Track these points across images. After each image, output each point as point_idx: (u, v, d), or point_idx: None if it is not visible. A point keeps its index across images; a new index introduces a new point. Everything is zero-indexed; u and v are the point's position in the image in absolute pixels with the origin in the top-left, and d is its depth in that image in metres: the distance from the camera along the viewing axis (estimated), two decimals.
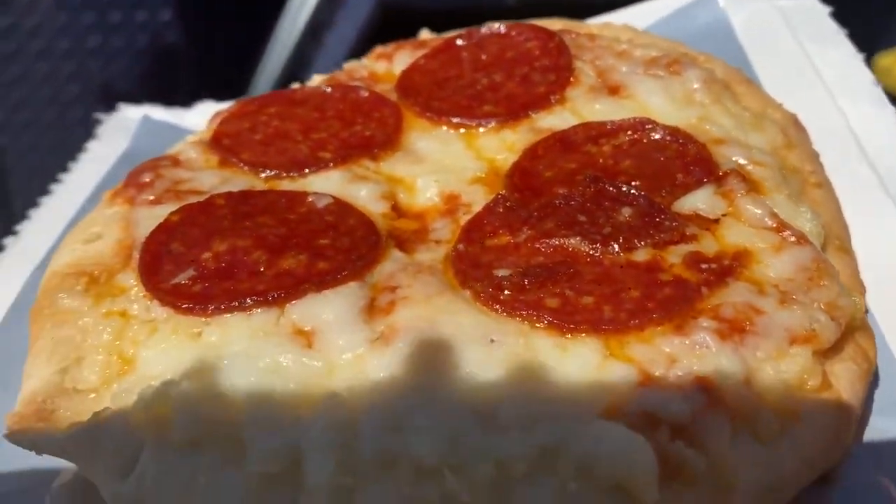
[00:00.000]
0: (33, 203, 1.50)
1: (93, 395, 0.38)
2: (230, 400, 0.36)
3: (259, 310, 0.39)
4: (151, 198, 0.47)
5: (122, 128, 0.57)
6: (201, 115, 0.58)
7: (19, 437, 0.37)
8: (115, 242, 0.45)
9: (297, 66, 1.28)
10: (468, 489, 0.33)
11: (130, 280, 0.43)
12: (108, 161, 0.54)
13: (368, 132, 0.51)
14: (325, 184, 0.48)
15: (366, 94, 0.54)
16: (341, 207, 0.45)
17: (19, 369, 0.40)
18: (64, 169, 1.40)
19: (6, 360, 0.42)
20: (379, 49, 0.60)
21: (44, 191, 1.47)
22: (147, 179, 0.48)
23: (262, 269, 0.41)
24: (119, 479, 0.35)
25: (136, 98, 1.39)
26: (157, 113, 0.58)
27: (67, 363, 0.40)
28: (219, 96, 1.43)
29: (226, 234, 0.43)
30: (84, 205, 0.52)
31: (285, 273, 0.41)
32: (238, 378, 0.37)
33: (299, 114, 0.53)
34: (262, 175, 0.49)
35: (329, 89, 0.55)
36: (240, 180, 0.48)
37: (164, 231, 0.44)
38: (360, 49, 1.21)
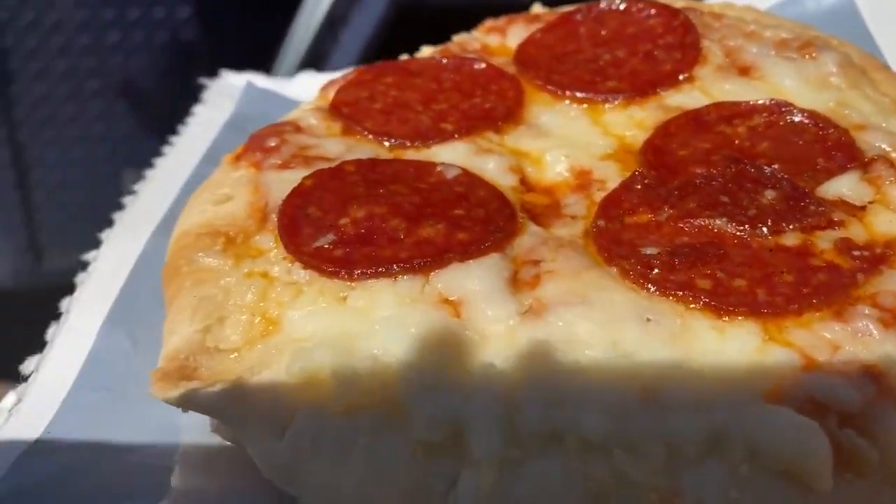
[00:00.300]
0: (53, 194, 1.49)
1: (234, 355, 0.38)
2: (385, 364, 0.36)
3: (405, 277, 0.39)
4: (279, 162, 0.46)
5: (227, 94, 0.57)
6: (301, 85, 0.59)
7: (166, 393, 0.37)
8: (247, 204, 0.45)
9: (314, 62, 1.28)
10: (639, 468, 0.33)
11: (268, 242, 0.42)
12: (215, 125, 0.54)
13: (488, 104, 0.50)
14: (451, 155, 0.47)
15: (482, 66, 0.53)
16: (470, 179, 0.45)
17: (147, 325, 0.40)
18: (83, 157, 1.39)
19: (134, 316, 0.42)
20: (489, 22, 0.59)
21: (63, 184, 1.46)
22: (273, 144, 0.47)
23: (401, 237, 0.41)
24: (272, 438, 0.35)
25: (155, 94, 1.39)
26: (259, 81, 0.58)
27: (210, 322, 0.39)
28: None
29: (362, 201, 0.43)
30: (198, 167, 0.51)
31: (425, 241, 0.40)
32: (391, 343, 0.36)
33: (417, 84, 0.53)
34: (387, 144, 0.48)
35: (445, 60, 0.55)
36: (364, 148, 0.48)
37: (299, 195, 0.43)
38: (375, 45, 1.21)
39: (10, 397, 0.36)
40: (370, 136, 0.49)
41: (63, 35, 1.27)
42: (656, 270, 0.39)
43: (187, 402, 0.37)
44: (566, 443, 0.33)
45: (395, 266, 0.39)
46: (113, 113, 1.36)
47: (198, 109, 0.55)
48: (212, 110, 0.56)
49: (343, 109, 0.50)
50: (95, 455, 0.36)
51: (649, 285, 0.38)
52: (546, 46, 0.54)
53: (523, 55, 0.54)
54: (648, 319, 0.37)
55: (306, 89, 0.57)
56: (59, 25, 1.26)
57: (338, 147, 0.48)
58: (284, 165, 0.46)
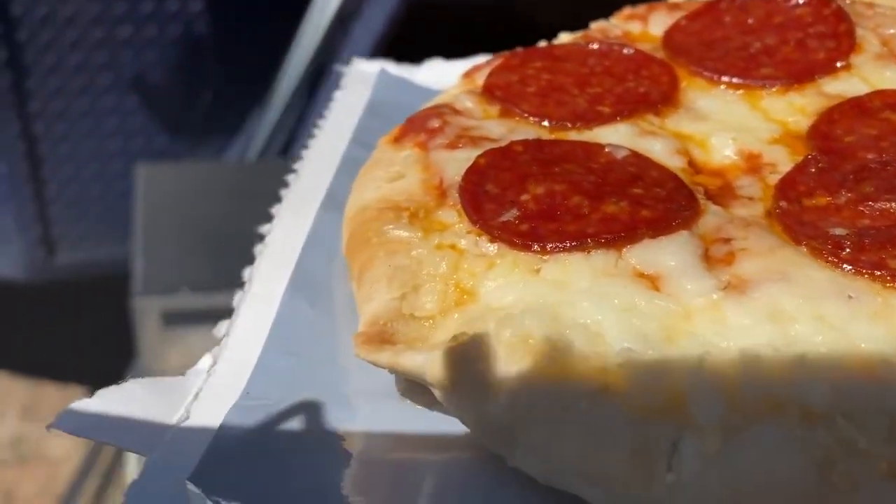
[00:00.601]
0: (65, 188, 1.46)
1: (429, 322, 0.39)
2: (595, 332, 0.36)
3: (598, 251, 0.40)
4: (446, 142, 0.47)
5: (361, 80, 0.58)
6: (428, 72, 0.61)
7: (372, 355, 0.38)
8: (420, 182, 0.46)
9: (325, 56, 1.29)
10: (865, 437, 0.33)
11: (451, 217, 0.43)
12: (356, 109, 0.56)
13: (642, 89, 0.51)
14: (614, 136, 0.48)
15: (631, 51, 0.54)
16: (640, 160, 0.45)
17: (325, 293, 0.42)
18: (96, 151, 1.37)
19: (311, 284, 0.43)
20: (628, 10, 0.60)
21: (75, 178, 1.44)
22: (436, 125, 0.48)
23: (586, 213, 0.41)
24: (482, 402, 0.36)
25: (167, 89, 1.38)
26: (391, 68, 0.59)
27: (406, 290, 0.40)
28: (249, 84, 1.42)
29: (538, 179, 0.44)
30: (347, 148, 0.51)
31: (610, 218, 0.41)
32: (598, 314, 0.37)
33: (567, 68, 0.53)
34: (546, 125, 0.49)
35: (595, 45, 0.55)
36: (525, 130, 0.48)
37: (475, 173, 0.44)
38: (386, 40, 1.22)
39: (207, 359, 0.38)
40: (529, 118, 0.49)
41: (76, 29, 1.26)
42: (847, 250, 0.39)
43: (395, 365, 0.37)
44: (788, 410, 0.34)
45: (588, 240, 0.39)
46: (125, 107, 1.35)
47: (337, 95, 0.57)
48: (350, 96, 0.58)
49: (496, 93, 0.51)
50: (291, 416, 0.37)
51: (844, 265, 0.38)
52: (693, 33, 0.54)
53: (672, 41, 0.54)
54: (850, 297, 0.37)
55: (433, 76, 0.59)
56: (73, 19, 1.25)
57: (499, 129, 0.48)
58: (452, 145, 0.47)
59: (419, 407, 0.40)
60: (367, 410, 0.39)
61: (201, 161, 1.27)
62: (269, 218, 0.87)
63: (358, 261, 0.42)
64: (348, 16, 1.22)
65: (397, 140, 0.49)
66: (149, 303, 0.73)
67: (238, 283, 0.77)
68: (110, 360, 2.08)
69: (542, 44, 0.57)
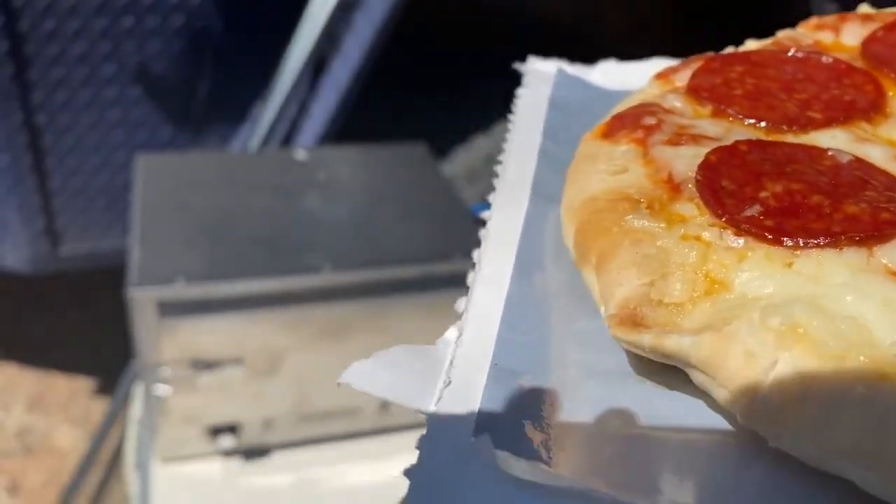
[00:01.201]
0: (69, 180, 1.46)
1: (678, 309, 0.40)
2: (862, 325, 0.38)
3: (850, 248, 0.41)
4: (666, 139, 0.47)
5: (542, 78, 0.60)
6: (601, 73, 0.61)
7: (629, 336, 0.39)
8: (646, 176, 0.46)
9: (326, 48, 1.28)
10: None
11: (689, 210, 0.43)
12: (541, 106, 0.57)
13: (847, 97, 0.51)
14: (831, 141, 0.47)
15: (829, 60, 0.54)
16: (864, 165, 0.45)
17: (546, 277, 0.44)
18: (99, 143, 1.37)
19: (533, 268, 0.44)
20: (815, 20, 0.60)
21: (79, 170, 1.43)
22: (652, 122, 0.49)
23: (828, 212, 0.42)
24: (754, 386, 0.37)
25: (170, 80, 1.37)
26: (567, 68, 0.61)
27: (654, 277, 0.41)
28: (252, 75, 1.41)
29: (773, 177, 0.44)
30: (542, 143, 0.53)
31: (852, 218, 0.41)
32: (860, 308, 0.38)
33: (769, 74, 0.54)
34: (763, 127, 0.49)
35: (793, 53, 0.55)
36: (741, 131, 0.48)
37: (709, 168, 0.45)
38: (389, 29, 1.21)
39: (453, 331, 0.39)
40: (744, 120, 0.49)
41: (78, 20, 1.25)
42: None
43: (658, 346, 0.38)
44: None
45: (841, 237, 0.40)
46: (128, 98, 1.35)
47: (521, 92, 0.57)
48: (534, 93, 0.58)
49: (703, 94, 0.51)
50: (541, 386, 0.38)
51: None
52: (893, 45, 0.54)
53: (871, 51, 0.54)
54: None
55: (606, 77, 0.60)
56: (75, 9, 1.25)
57: (715, 128, 0.49)
58: (673, 142, 0.47)
59: (658, 387, 0.40)
60: (607, 387, 0.40)
61: (201, 151, 1.27)
62: (271, 209, 0.87)
63: (596, 248, 0.44)
64: (350, 5, 1.22)
65: (606, 136, 0.50)
66: (144, 293, 0.72)
67: (235, 274, 0.77)
68: (117, 350, 2.09)
69: (729, 49, 0.57)
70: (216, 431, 0.80)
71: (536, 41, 1.73)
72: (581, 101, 0.57)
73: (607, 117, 0.51)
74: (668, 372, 0.40)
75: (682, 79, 0.54)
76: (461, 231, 0.85)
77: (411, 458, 0.84)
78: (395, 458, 0.84)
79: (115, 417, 1.30)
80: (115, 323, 2.22)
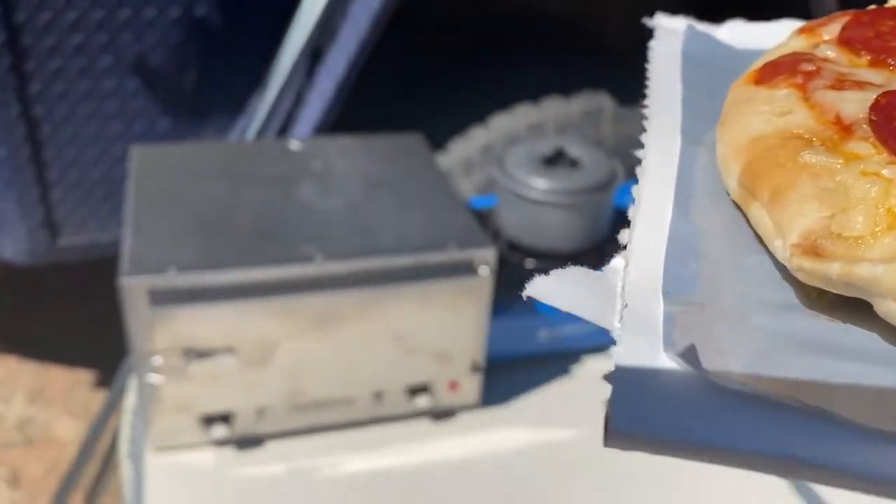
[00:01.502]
0: (67, 172, 1.46)
1: (858, 241, 0.40)
2: None
3: None
4: (828, 83, 0.48)
5: (672, 33, 0.61)
6: (729, 31, 0.62)
7: (813, 265, 0.39)
8: (809, 117, 0.47)
9: (322, 37, 1.28)
10: None
11: (863, 149, 0.44)
12: (675, 58, 0.59)
13: None
14: None
15: None
16: None
17: (702, 214, 0.44)
18: (97, 134, 1.36)
19: (691, 205, 0.45)
20: None
21: (77, 161, 1.43)
22: (811, 68, 0.50)
23: None
24: None
25: (167, 71, 1.37)
26: (696, 24, 0.63)
27: (835, 210, 0.41)
28: (251, 66, 1.41)
29: None
30: (682, 90, 0.55)
31: None
32: None
33: None
34: None
35: None
36: None
37: (880, 110, 0.45)
38: (385, 19, 1.20)
39: (619, 261, 0.40)
40: None
41: (75, 10, 1.25)
42: None
43: (847, 275, 0.38)
44: None
45: None
46: (126, 90, 1.34)
47: (654, 44, 0.59)
48: (666, 46, 0.60)
49: (857, 45, 0.52)
50: (715, 313, 0.39)
51: None
52: None
53: None
54: None
55: (733, 35, 0.62)
56: (72, 1, 1.24)
57: (876, 76, 0.49)
58: (837, 87, 0.48)
59: (832, 320, 0.40)
60: (778, 319, 0.40)
61: (196, 142, 1.27)
62: (265, 199, 0.87)
63: (769, 184, 0.44)
64: None
65: (759, 82, 0.51)
66: (136, 282, 0.72)
67: (228, 263, 0.77)
68: (117, 343, 2.09)
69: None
70: (209, 421, 0.80)
71: (535, 32, 1.72)
72: (711, 56, 0.59)
73: (756, 65, 0.52)
74: (843, 305, 0.41)
75: (831, 32, 0.55)
76: (455, 221, 0.84)
77: (406, 447, 0.85)
78: (389, 448, 0.84)
79: (112, 408, 1.30)
80: (115, 316, 2.22)
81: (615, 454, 0.88)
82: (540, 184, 0.96)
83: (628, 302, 0.38)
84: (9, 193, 1.35)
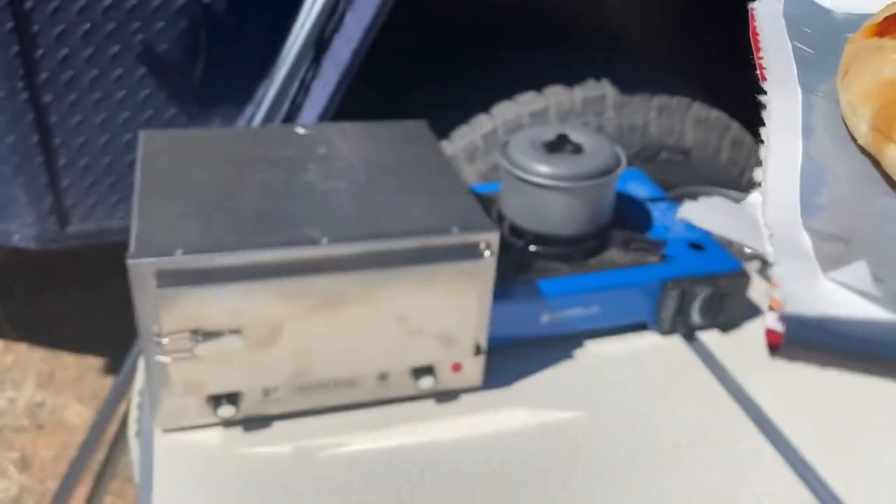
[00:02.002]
0: (75, 159, 1.48)
1: None
2: None
3: None
4: None
5: None
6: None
7: None
8: None
9: (327, 25, 1.29)
10: None
11: None
12: (778, 18, 0.61)
13: None
14: None
15: None
16: None
17: (828, 153, 0.46)
18: (105, 121, 1.38)
19: (815, 145, 0.47)
20: None
21: (85, 148, 1.44)
22: None
23: None
24: None
25: (174, 57, 1.38)
26: None
27: None
28: (258, 54, 1.42)
29: None
30: (792, 44, 0.57)
31: None
32: None
33: None
34: None
35: None
36: None
37: None
38: (389, 8, 1.21)
39: (756, 195, 0.43)
40: None
41: None
42: None
43: None
44: None
45: None
46: (133, 77, 1.35)
47: (755, 5, 0.61)
48: (766, 7, 0.62)
49: None
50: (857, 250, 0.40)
51: None
52: None
53: None
54: None
55: (834, 3, 0.63)
56: None
57: None
58: None
59: None
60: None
61: (204, 128, 1.28)
62: (272, 182, 0.88)
63: None
64: None
65: (882, 34, 0.51)
66: (144, 263, 0.74)
67: (235, 246, 0.78)
68: (126, 329, 2.10)
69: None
70: (216, 401, 0.82)
71: (539, 21, 1.73)
72: (812, 17, 0.60)
73: (873, 21, 0.54)
74: None
75: None
76: (460, 205, 0.86)
77: (410, 427, 0.86)
78: (393, 428, 0.86)
79: (121, 392, 1.31)
80: (123, 303, 2.24)
81: (617, 435, 0.90)
82: (543, 169, 0.97)
83: (773, 232, 0.39)
84: (17, 180, 1.36)
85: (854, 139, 0.49)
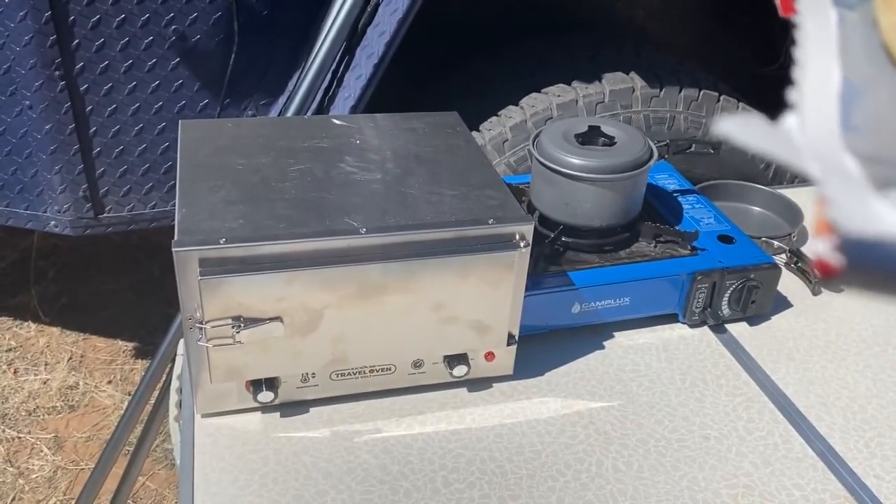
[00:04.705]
0: (107, 146, 1.49)
1: None
2: None
3: None
4: None
5: None
6: None
7: None
8: None
9: (360, 17, 1.29)
10: None
11: None
12: None
13: None
14: None
15: None
16: None
17: (868, 75, 0.44)
18: (138, 109, 1.39)
19: (855, 68, 0.46)
20: None
21: (119, 135, 1.45)
22: None
23: None
24: None
25: (209, 47, 1.39)
26: None
27: None
28: (287, 44, 1.42)
29: None
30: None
31: None
32: None
33: None
34: None
35: None
36: None
37: None
38: (422, 1, 1.21)
39: (793, 119, 0.41)
40: None
41: None
42: None
43: None
44: None
45: None
46: (165, 65, 1.37)
47: None
48: None
49: None
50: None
51: None
52: None
53: None
54: None
55: None
56: None
57: None
58: None
59: None
60: None
61: (240, 118, 1.30)
62: (310, 172, 0.89)
63: None
64: None
65: None
66: (188, 252, 0.75)
67: (276, 235, 0.79)
68: (155, 313, 2.14)
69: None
70: (255, 387, 0.84)
71: (565, 15, 1.73)
72: None
73: None
74: None
75: None
76: (495, 196, 0.87)
77: (444, 415, 0.88)
78: (427, 415, 0.87)
79: (157, 374, 1.34)
80: (154, 288, 2.28)
81: (647, 425, 0.91)
82: (576, 162, 0.98)
83: (816, 153, 0.37)
84: (53, 167, 1.39)
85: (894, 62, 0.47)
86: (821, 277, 0.32)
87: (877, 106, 0.44)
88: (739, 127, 0.37)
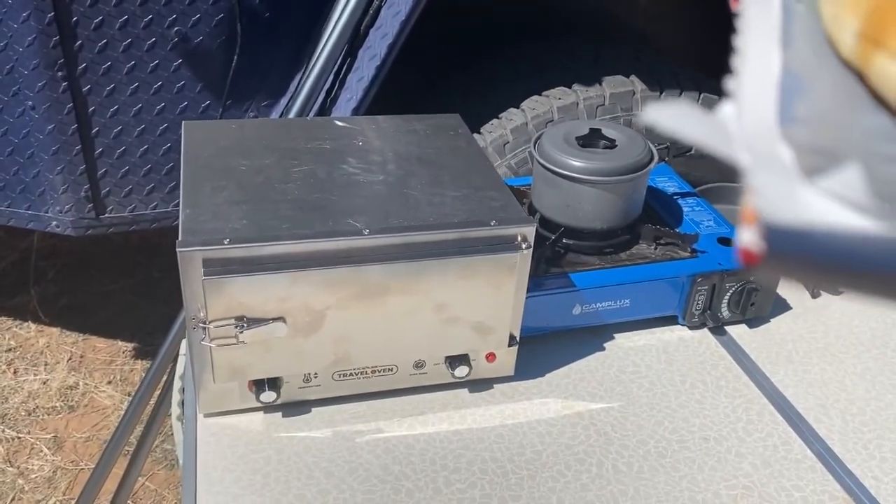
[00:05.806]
0: (109, 146, 1.50)
1: None
2: None
3: None
4: None
5: None
6: None
7: None
8: None
9: (363, 19, 1.30)
10: None
11: None
12: None
13: None
14: None
15: None
16: None
17: (809, 61, 0.43)
18: (140, 110, 1.40)
19: (794, 52, 0.45)
20: None
21: (121, 136, 1.46)
22: None
23: None
24: None
25: (211, 48, 1.39)
26: None
27: None
28: (290, 45, 1.43)
29: None
30: None
31: None
32: None
33: None
34: None
35: None
36: None
37: None
38: (424, 3, 1.22)
39: (730, 108, 0.40)
40: None
41: None
42: None
43: None
44: None
45: None
46: (167, 67, 1.38)
47: None
48: None
49: None
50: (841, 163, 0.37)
51: None
52: None
53: None
54: None
55: None
56: None
57: None
58: None
59: None
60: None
61: (243, 119, 1.30)
62: (313, 173, 0.89)
63: None
64: None
65: None
66: (192, 252, 0.76)
67: (279, 236, 0.80)
68: (155, 314, 2.14)
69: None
70: (258, 386, 0.84)
71: (568, 17, 1.74)
72: None
73: None
74: None
75: None
76: (497, 198, 0.87)
77: (445, 415, 0.89)
78: (429, 415, 0.88)
79: (158, 374, 1.34)
80: (153, 288, 2.28)
81: (647, 427, 0.92)
82: (577, 164, 0.99)
83: (750, 142, 0.37)
84: (55, 167, 1.39)
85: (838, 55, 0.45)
86: (743, 264, 0.31)
87: (819, 96, 0.43)
88: (670, 114, 0.36)
